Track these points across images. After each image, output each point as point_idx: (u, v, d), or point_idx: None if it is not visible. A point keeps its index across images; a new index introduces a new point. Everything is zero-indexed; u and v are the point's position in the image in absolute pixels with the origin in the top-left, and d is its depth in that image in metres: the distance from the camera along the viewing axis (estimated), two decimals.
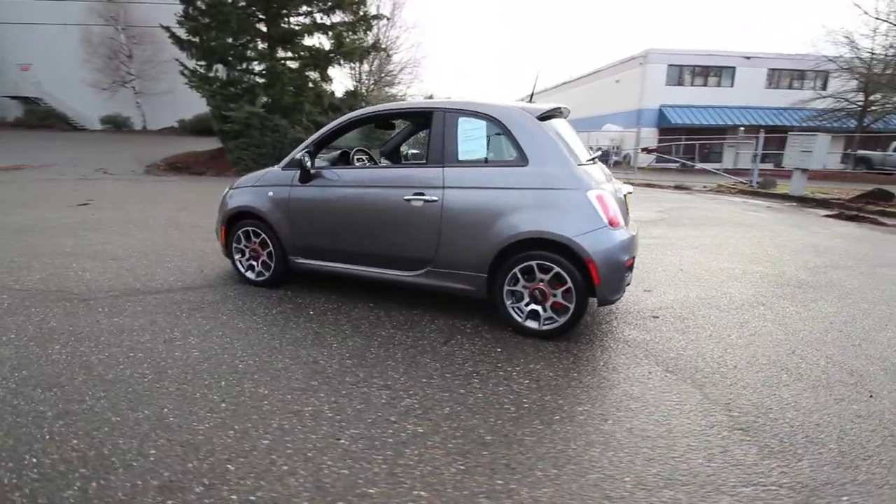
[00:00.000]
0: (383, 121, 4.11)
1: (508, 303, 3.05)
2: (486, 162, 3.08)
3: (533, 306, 3.00)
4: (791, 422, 2.22)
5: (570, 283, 2.85)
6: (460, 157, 3.10)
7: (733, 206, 10.46)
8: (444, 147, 3.13)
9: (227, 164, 16.36)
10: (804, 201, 11.18)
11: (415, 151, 4.77)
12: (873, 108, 20.49)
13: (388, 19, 22.13)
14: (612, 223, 2.84)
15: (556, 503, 1.67)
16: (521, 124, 3.00)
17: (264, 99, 17.20)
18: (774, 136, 17.96)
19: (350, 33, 17.99)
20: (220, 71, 17.33)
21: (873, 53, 19.35)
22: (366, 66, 27.24)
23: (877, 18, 15.00)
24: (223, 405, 2.20)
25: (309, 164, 3.41)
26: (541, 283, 2.94)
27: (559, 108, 3.20)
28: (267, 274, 3.83)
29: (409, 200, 3.14)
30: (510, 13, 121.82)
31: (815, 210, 10.10)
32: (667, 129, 25.23)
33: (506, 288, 3.03)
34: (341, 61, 18.78)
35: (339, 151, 4.05)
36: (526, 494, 1.70)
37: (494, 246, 2.95)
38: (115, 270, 4.23)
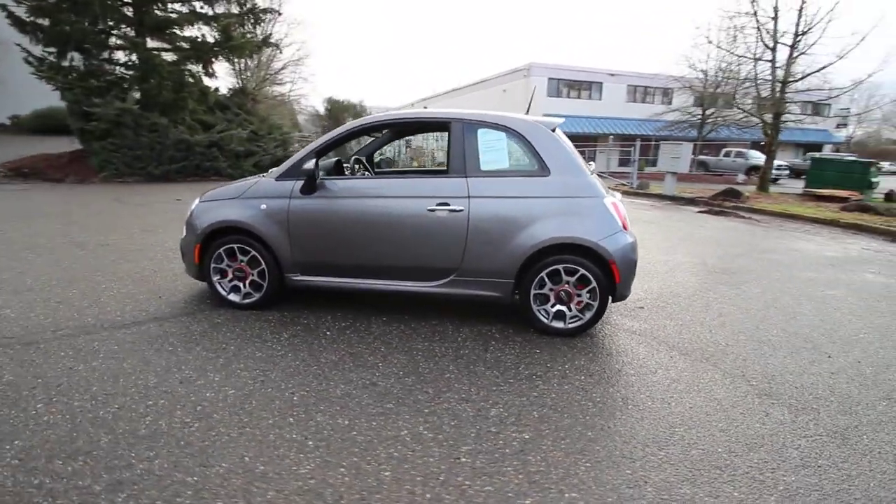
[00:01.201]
0: (390, 129, 3.96)
1: (535, 305, 3.20)
2: (508, 172, 3.18)
3: (558, 307, 3.19)
4: (793, 384, 2.72)
5: (594, 283, 3.10)
6: (483, 168, 3.16)
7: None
8: (466, 157, 3.17)
9: (93, 169, 13.99)
10: (676, 200, 13.17)
11: (386, 158, 4.67)
12: (709, 120, 24.95)
13: (279, 14, 20.74)
14: (624, 227, 3.15)
15: (679, 479, 1.86)
16: (541, 136, 3.17)
17: (137, 94, 15.06)
18: (629, 145, 20.80)
19: (238, 26, 16.60)
20: (76, 60, 14.73)
21: (706, 74, 23.36)
22: (250, 63, 25.25)
23: (709, 42, 18.27)
24: (310, 443, 1.99)
25: (321, 174, 3.18)
26: (566, 285, 3.14)
27: (558, 123, 3.44)
28: (257, 295, 3.46)
29: (433, 211, 3.12)
30: (395, 13, 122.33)
31: (688, 207, 11.99)
32: None
33: (533, 291, 3.17)
34: (230, 56, 17.25)
35: (333, 160, 3.81)
36: (656, 477, 1.87)
37: (523, 252, 3.08)
38: (43, 304, 3.44)
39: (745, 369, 2.86)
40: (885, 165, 27.25)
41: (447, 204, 3.11)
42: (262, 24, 18.82)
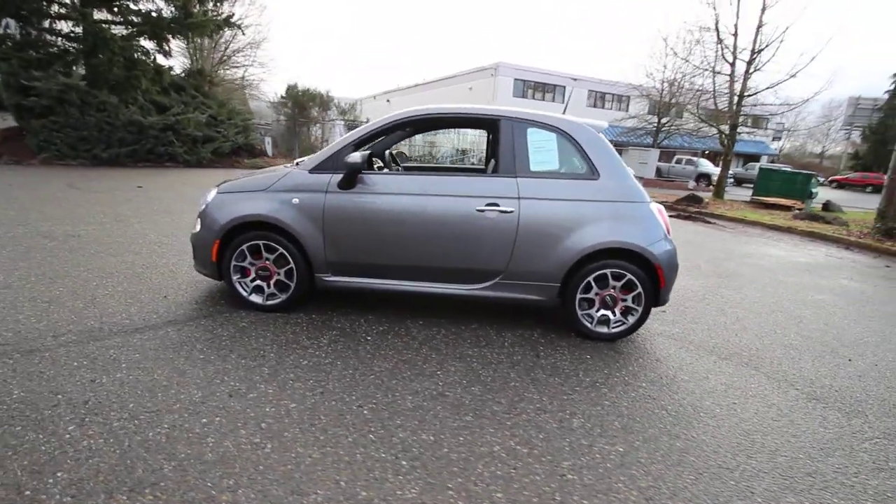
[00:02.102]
0: (433, 125, 3.76)
1: (580, 310, 3.16)
2: (558, 174, 3.11)
3: (603, 312, 3.17)
4: (831, 387, 2.84)
5: (639, 289, 3.09)
6: (533, 168, 3.07)
7: None
8: (516, 157, 3.06)
9: (31, 150, 12.65)
10: None
11: (399, 153, 4.48)
12: (663, 129, 26.17)
13: None
14: (668, 232, 3.17)
15: (781, 488, 1.86)
16: (590, 138, 3.12)
17: (83, 70, 13.75)
18: None
19: (198, 4, 15.56)
20: (12, 28, 13.24)
21: (663, 84, 24.48)
22: (206, 43, 23.75)
23: (673, 53, 19.14)
24: (404, 463, 1.83)
25: (364, 167, 2.96)
26: (612, 290, 3.12)
27: (603, 127, 3.41)
28: (282, 296, 3.19)
29: (482, 211, 2.99)
30: (360, 3, 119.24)
31: None
32: None
33: (578, 296, 3.13)
34: (189, 34, 16.12)
35: (366, 154, 3.57)
36: (759, 487, 1.86)
37: (572, 256, 3.02)
38: (30, 305, 3.01)
39: (784, 374, 2.96)
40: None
41: (497, 205, 2.99)
42: (223, 2, 17.71)
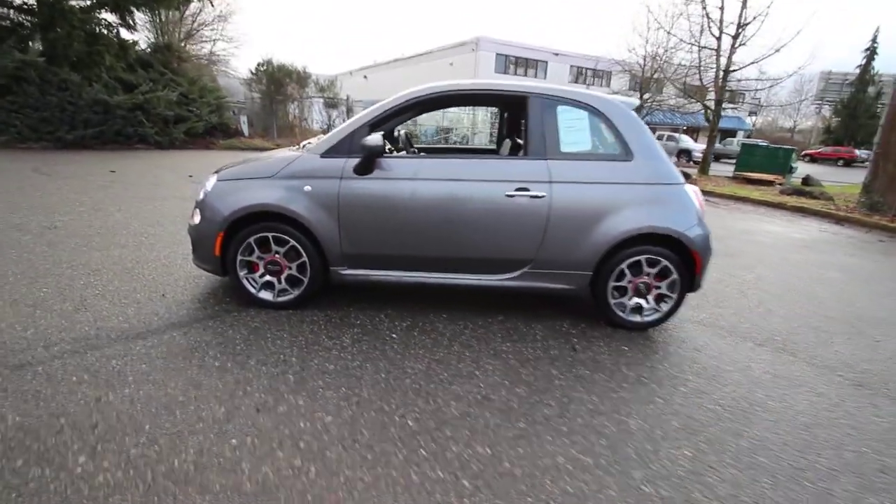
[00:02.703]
0: (449, 102, 3.46)
1: (612, 299, 3.01)
2: (591, 155, 2.91)
3: (636, 300, 3.03)
4: (871, 371, 2.78)
5: (675, 275, 2.96)
6: (563, 149, 2.86)
7: None
8: (546, 137, 2.84)
9: None
10: None
11: (406, 133, 4.19)
12: (645, 104, 26.12)
13: None
14: (702, 215, 3.02)
15: (860, 487, 1.77)
16: (623, 117, 2.91)
17: (41, 45, 12.76)
18: None
19: None
20: None
21: (645, 60, 24.31)
22: (172, 16, 22.40)
23: (658, 28, 18.93)
24: (466, 483, 1.66)
25: (386, 150, 2.69)
26: (646, 277, 2.98)
27: (635, 104, 3.20)
28: (294, 292, 2.95)
29: (511, 197, 2.78)
30: None
31: None
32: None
33: (611, 284, 2.97)
34: (155, 6, 15.14)
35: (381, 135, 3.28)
36: (838, 489, 1.76)
37: (606, 242, 2.85)
38: (11, 309, 2.69)
39: (822, 359, 2.89)
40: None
41: (527, 189, 2.79)
42: None
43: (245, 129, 18.64)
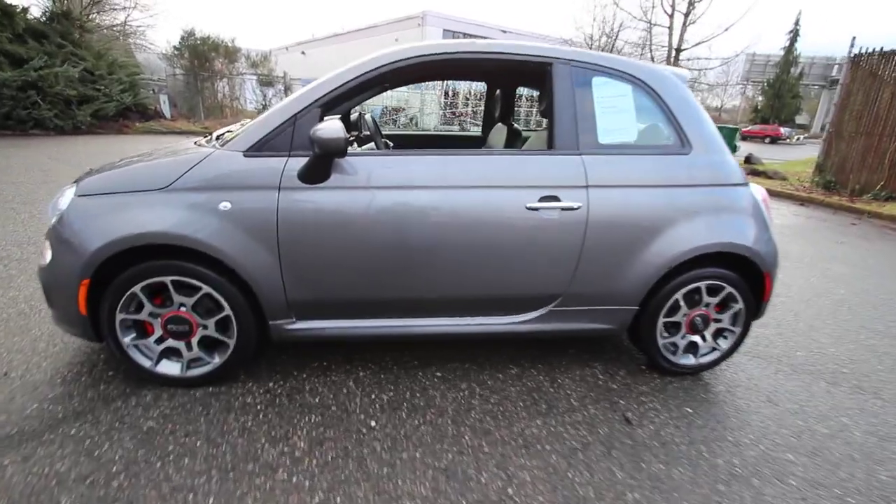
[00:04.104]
0: (443, 71, 2.47)
1: (661, 339, 2.26)
2: (637, 147, 2.09)
3: (690, 338, 2.30)
4: None
5: (740, 304, 2.25)
6: (602, 140, 2.03)
7: None
8: (579, 122, 1.99)
9: None
10: None
11: (368, 116, 3.20)
12: None
13: None
14: (771, 224, 2.32)
15: None
16: (679, 93, 2.12)
17: None
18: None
19: None
20: None
21: (592, 39, 24.06)
22: None
23: (614, 4, 18.57)
24: None
25: (346, 141, 1.71)
26: (704, 308, 2.25)
27: (688, 76, 2.41)
28: (215, 360, 1.96)
29: (535, 209, 1.92)
30: None
31: None
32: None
33: (662, 320, 2.22)
34: None
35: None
36: None
37: (660, 267, 2.08)
38: None
39: (877, 390, 2.31)
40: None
41: (556, 198, 1.94)
42: None
43: (166, 110, 16.48)
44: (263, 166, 1.80)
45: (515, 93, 3.17)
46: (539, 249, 1.99)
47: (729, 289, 2.21)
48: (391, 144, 3.18)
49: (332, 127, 1.65)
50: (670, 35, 15.48)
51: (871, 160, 9.46)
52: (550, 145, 2.01)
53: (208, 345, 1.96)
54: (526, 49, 2.01)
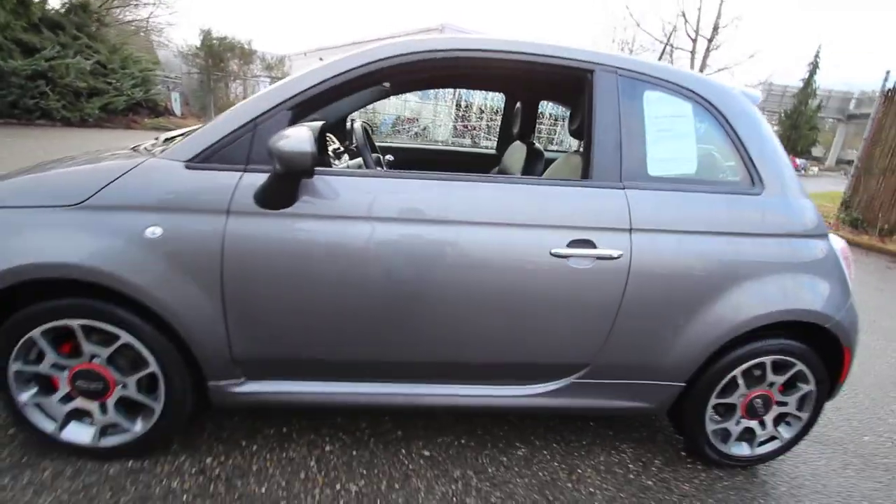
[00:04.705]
0: (451, 76, 2.04)
1: (712, 423, 1.79)
2: (697, 182, 1.64)
3: (746, 423, 1.83)
4: None
5: (811, 385, 1.78)
6: (651, 171, 1.58)
7: None
8: (623, 147, 1.55)
9: None
10: None
11: (360, 127, 2.78)
12: None
13: None
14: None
15: None
16: (751, 119, 1.67)
17: None
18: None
19: None
20: None
21: None
22: None
23: (636, 26, 18.28)
24: None
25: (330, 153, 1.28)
26: (767, 388, 1.78)
27: (758, 99, 1.97)
28: (136, 428, 1.51)
29: (562, 257, 1.48)
30: None
31: None
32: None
33: (713, 401, 1.75)
34: None
35: (314, 128, 1.83)
36: None
37: (719, 336, 1.61)
38: None
39: None
40: None
41: (590, 243, 1.49)
42: None
43: (177, 107, 16.30)
44: (209, 183, 1.36)
45: (538, 107, 2.74)
46: (564, 307, 1.53)
47: (800, 366, 1.74)
48: (392, 159, 2.76)
49: (296, 136, 1.22)
50: (692, 59, 15.11)
51: None
52: (585, 174, 1.56)
53: (129, 407, 1.52)
54: (561, 51, 1.57)
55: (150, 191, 1.35)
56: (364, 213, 1.41)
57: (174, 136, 1.66)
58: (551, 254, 1.47)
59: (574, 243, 1.48)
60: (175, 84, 17.98)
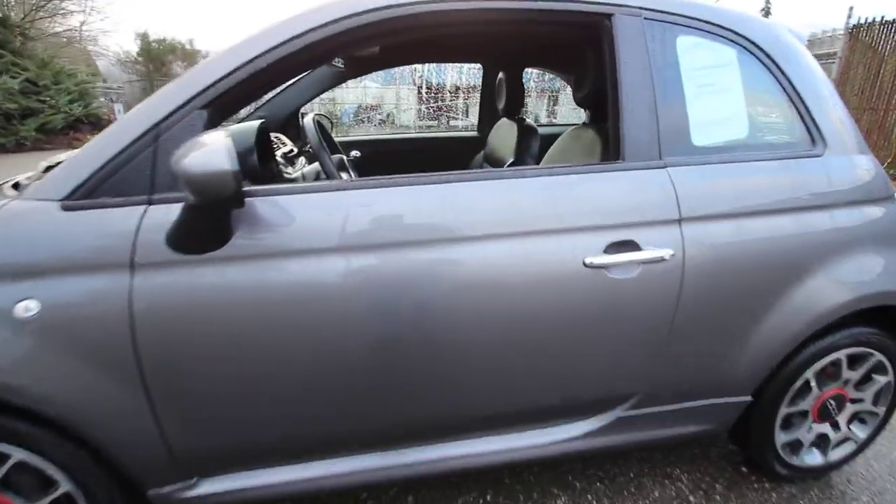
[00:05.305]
0: (421, 35, 1.59)
1: (783, 435, 1.49)
2: (750, 149, 1.30)
3: (818, 428, 1.53)
4: None
5: (891, 376, 1.49)
6: (696, 140, 1.23)
7: None
8: (660, 113, 1.19)
9: None
10: None
11: (313, 120, 2.33)
12: None
13: None
14: None
15: None
16: (805, 63, 1.33)
17: None
18: None
19: None
20: None
21: None
22: None
23: None
24: None
25: (237, 176, 0.87)
26: (842, 386, 1.49)
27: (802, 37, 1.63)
28: None
29: (599, 267, 1.12)
30: None
31: None
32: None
33: (783, 410, 1.45)
34: None
35: (248, 132, 1.39)
36: None
37: (793, 335, 1.30)
38: None
39: None
40: None
41: (633, 244, 1.14)
42: None
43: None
44: (99, 226, 0.95)
45: (523, 76, 2.34)
46: (604, 329, 1.19)
47: (878, 356, 1.45)
48: (358, 154, 2.35)
49: (209, 148, 0.81)
50: None
51: (876, 137, 8.94)
52: (615, 153, 1.20)
53: None
54: None
55: (12, 249, 0.93)
56: (333, 243, 1.02)
57: (58, 163, 1.22)
58: (585, 264, 1.11)
59: (613, 247, 1.13)
60: (118, 95, 16.81)
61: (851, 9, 9.71)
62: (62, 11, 21.17)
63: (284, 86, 2.13)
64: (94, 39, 23.91)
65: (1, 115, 11.70)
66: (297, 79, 2.10)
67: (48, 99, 13.00)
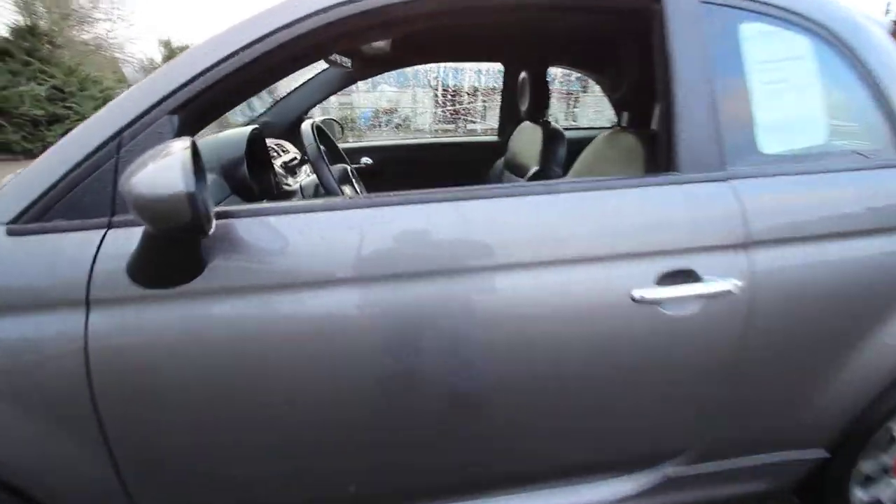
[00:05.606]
0: (437, 27, 1.42)
1: (861, 494, 1.27)
2: (827, 156, 1.09)
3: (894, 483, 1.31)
4: None
5: None
6: (764, 147, 1.03)
7: None
8: (718, 112, 1.00)
9: None
10: None
11: (312, 126, 2.16)
12: None
13: None
14: None
15: None
16: (890, 53, 1.12)
17: None
18: None
19: None
20: None
21: None
22: None
23: None
24: None
25: (193, 200, 0.70)
26: None
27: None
28: None
29: (651, 302, 0.93)
30: None
31: None
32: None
33: (861, 465, 1.23)
34: None
35: (237, 142, 1.23)
36: None
37: (881, 378, 1.08)
38: None
39: None
40: None
41: (692, 275, 0.94)
42: None
43: None
44: (50, 255, 0.80)
45: (547, 75, 2.15)
46: (653, 375, 0.99)
47: None
48: (370, 162, 2.19)
49: (160, 164, 0.65)
50: None
51: None
52: (667, 163, 1.00)
53: None
54: None
55: None
56: (327, 274, 0.85)
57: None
58: (634, 299, 0.92)
59: (667, 277, 0.93)
60: None
61: (889, 3, 9.25)
62: (89, 20, 21.80)
63: (291, 89, 1.98)
64: (120, 47, 24.58)
65: (28, 122, 11.98)
66: (303, 82, 1.96)
67: (74, 105, 13.30)
